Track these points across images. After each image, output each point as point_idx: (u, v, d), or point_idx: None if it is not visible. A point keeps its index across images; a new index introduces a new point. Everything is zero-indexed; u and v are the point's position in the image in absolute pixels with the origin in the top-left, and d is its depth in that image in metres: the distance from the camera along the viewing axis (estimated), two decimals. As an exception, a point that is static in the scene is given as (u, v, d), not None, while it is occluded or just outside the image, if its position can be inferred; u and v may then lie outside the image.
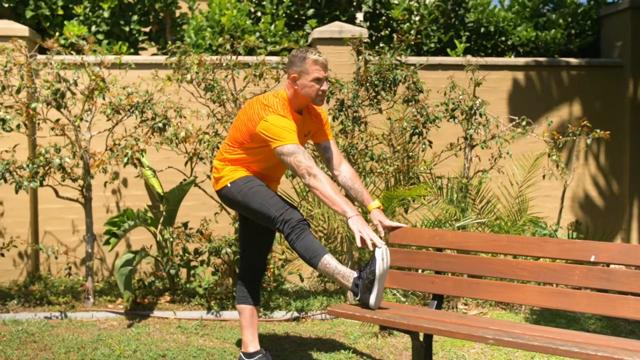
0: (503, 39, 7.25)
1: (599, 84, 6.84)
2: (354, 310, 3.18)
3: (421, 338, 3.40)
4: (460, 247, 3.40)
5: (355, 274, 3.24)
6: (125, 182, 6.13)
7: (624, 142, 6.78)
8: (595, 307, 2.93)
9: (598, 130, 5.50)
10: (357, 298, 3.23)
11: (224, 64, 5.20)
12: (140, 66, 5.78)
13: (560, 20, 7.42)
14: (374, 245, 3.18)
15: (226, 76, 5.22)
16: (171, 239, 5.10)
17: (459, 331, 2.82)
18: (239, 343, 4.38)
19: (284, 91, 3.56)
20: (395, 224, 3.59)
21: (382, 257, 3.13)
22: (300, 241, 3.31)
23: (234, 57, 5.27)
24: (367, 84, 5.23)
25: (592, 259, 2.99)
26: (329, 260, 3.27)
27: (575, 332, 2.90)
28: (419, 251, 3.60)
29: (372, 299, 3.17)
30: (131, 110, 5.01)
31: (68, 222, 6.08)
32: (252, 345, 3.76)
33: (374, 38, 7.19)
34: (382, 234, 3.52)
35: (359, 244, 3.20)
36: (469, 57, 6.60)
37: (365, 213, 4.82)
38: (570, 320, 5.01)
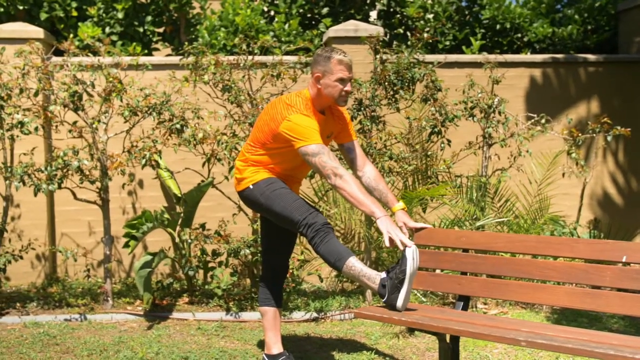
0: (519, 35, 7.19)
1: (617, 80, 6.76)
2: (382, 313, 3.14)
3: (448, 339, 3.37)
4: (487, 248, 3.36)
5: (381, 275, 3.21)
6: (141, 184, 6.11)
7: (643, 139, 6.71)
8: (628, 309, 2.88)
9: (619, 127, 5.44)
10: (384, 300, 3.19)
11: (241, 64, 5.17)
12: (155, 67, 5.76)
13: (576, 16, 7.36)
14: (404, 246, 3.15)
15: (243, 76, 5.19)
16: (189, 240, 5.08)
17: (491, 333, 2.78)
18: (260, 344, 4.36)
19: (307, 91, 3.52)
20: (419, 224, 3.55)
21: (413, 256, 3.10)
22: (324, 245, 3.28)
23: (250, 57, 5.24)
24: (386, 83, 5.19)
25: (624, 259, 2.95)
26: (353, 263, 3.24)
27: (610, 334, 2.85)
28: (445, 252, 3.57)
29: (400, 300, 3.13)
30: (149, 112, 4.99)
31: (84, 224, 6.07)
32: (276, 347, 3.73)
33: (388, 36, 7.14)
34: (407, 235, 3.49)
35: (387, 244, 3.17)
36: (484, 54, 6.55)
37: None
38: (592, 319, 4.96)
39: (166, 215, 5.30)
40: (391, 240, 3.18)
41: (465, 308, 3.41)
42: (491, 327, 2.93)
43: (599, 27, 7.31)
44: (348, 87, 3.44)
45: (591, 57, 6.77)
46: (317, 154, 3.30)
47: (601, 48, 7.26)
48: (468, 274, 3.43)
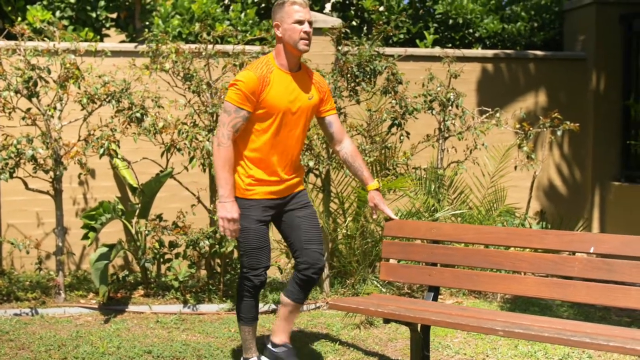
0: (470, 31, 7.33)
1: (564, 77, 7.01)
2: (357, 304, 3.17)
3: (419, 329, 3.42)
4: (457, 240, 3.43)
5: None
6: (92, 174, 5.94)
7: (588, 133, 6.97)
8: (595, 298, 3.00)
9: (568, 123, 5.63)
10: None
11: (203, 53, 5.09)
12: (114, 54, 5.58)
13: (523, 13, 7.57)
14: (233, 239, 3.52)
15: (205, 65, 5.11)
16: (146, 232, 4.98)
17: (469, 323, 2.85)
18: (225, 336, 4.33)
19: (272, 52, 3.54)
20: (389, 212, 3.56)
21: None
22: (238, 296, 3.61)
23: (210, 47, 5.16)
24: (348, 75, 5.21)
25: (592, 250, 3.06)
26: (246, 331, 3.62)
27: (582, 323, 2.96)
28: (415, 243, 3.62)
29: None
30: (107, 100, 4.85)
31: (32, 215, 5.86)
32: (281, 337, 3.68)
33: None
34: (375, 217, 3.72)
35: (221, 230, 3.38)
36: (437, 48, 6.65)
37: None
38: (543, 307, 5.13)
39: (120, 206, 5.18)
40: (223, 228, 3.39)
41: (435, 299, 3.47)
42: (467, 317, 3.00)
43: (545, 25, 7.53)
44: (307, 28, 3.37)
45: (540, 53, 7.00)
46: (229, 111, 3.36)
47: (547, 45, 7.49)
48: (439, 265, 3.49)
